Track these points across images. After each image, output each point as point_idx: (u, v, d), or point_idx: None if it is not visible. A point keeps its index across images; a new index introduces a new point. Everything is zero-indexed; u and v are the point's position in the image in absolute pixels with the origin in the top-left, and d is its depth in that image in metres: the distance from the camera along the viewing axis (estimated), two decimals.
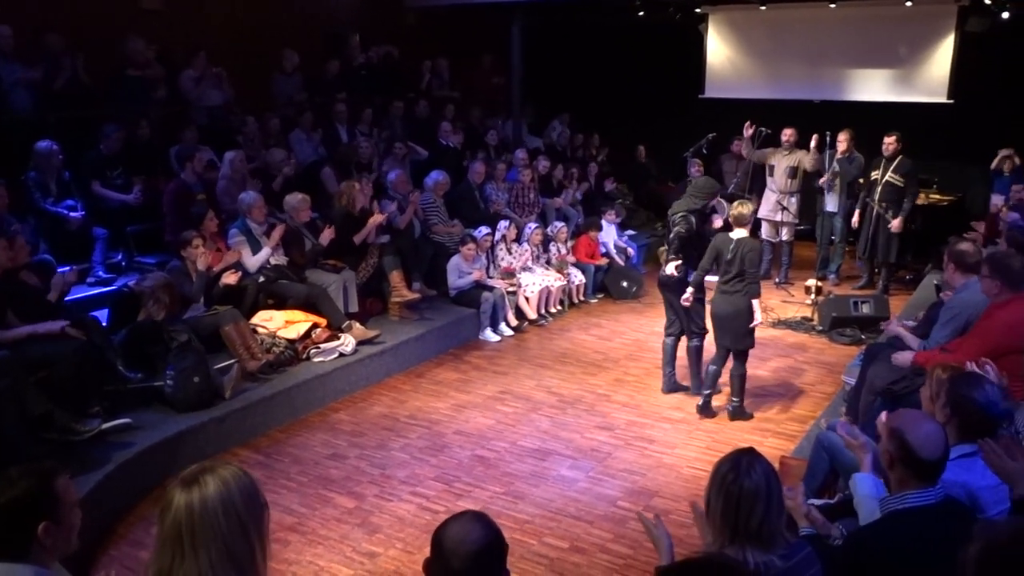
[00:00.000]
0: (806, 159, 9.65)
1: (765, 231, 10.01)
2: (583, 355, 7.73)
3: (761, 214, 9.89)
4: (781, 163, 9.71)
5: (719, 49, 12.06)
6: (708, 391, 6.30)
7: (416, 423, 6.27)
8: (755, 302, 5.90)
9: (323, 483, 5.36)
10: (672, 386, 6.73)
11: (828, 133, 9.22)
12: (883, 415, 3.03)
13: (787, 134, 9.63)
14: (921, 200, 10.49)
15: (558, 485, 5.31)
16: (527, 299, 8.60)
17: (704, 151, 9.84)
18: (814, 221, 10.10)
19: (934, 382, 3.51)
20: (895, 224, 9.11)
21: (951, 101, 10.65)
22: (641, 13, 11.60)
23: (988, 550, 1.74)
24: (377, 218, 7.64)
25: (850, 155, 9.49)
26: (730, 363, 6.23)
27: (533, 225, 9.10)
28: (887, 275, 9.47)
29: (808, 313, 8.69)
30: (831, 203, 9.68)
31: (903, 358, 4.81)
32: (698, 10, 11.79)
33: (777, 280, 9.93)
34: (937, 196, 10.79)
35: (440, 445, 5.89)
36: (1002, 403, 3.12)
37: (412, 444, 5.91)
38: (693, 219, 6.33)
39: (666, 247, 6.53)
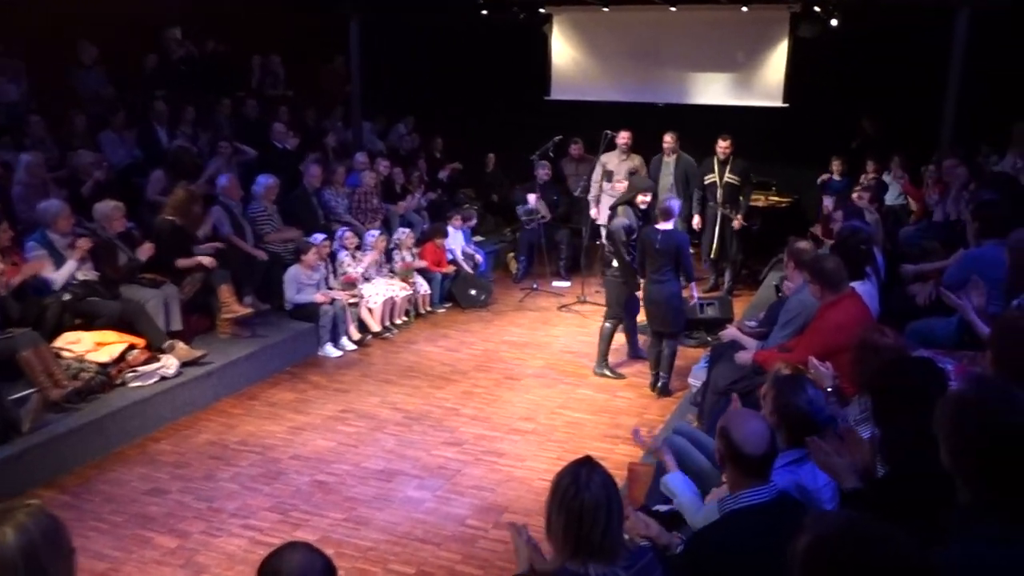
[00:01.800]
0: (641, 162, 10.01)
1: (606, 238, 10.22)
2: (430, 368, 7.69)
3: (602, 220, 10.11)
4: (619, 167, 10.03)
5: (563, 50, 12.35)
6: (659, 372, 7.03)
7: (248, 449, 6.03)
8: (693, 284, 7.10)
9: (141, 522, 5.03)
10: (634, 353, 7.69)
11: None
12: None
13: (623, 137, 9.92)
14: (761, 202, 11.15)
15: (404, 507, 5.24)
16: (370, 310, 8.48)
17: (550, 153, 10.03)
18: None
19: (774, 379, 3.69)
20: (737, 222, 9.60)
21: (786, 105, 11.35)
22: (484, 12, 11.71)
23: (816, 542, 1.82)
24: (204, 260, 7.25)
25: (677, 157, 9.93)
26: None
27: (375, 232, 8.97)
28: (732, 276, 9.98)
29: None
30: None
31: (744, 357, 5.07)
32: (542, 10, 12.03)
33: None
34: (776, 198, 11.49)
35: (275, 472, 5.68)
36: (826, 408, 3.31)
37: (243, 472, 5.67)
38: (624, 226, 7.06)
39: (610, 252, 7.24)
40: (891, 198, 9.72)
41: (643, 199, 7.50)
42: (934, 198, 8.61)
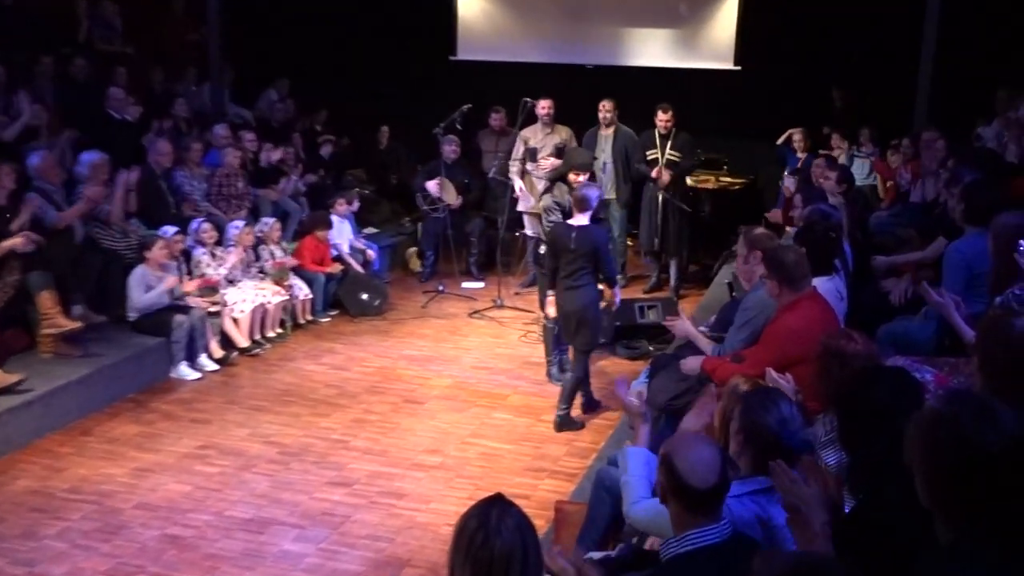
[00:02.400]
0: (571, 136, 10.09)
1: (529, 227, 10.19)
2: (312, 391, 7.62)
3: (523, 207, 10.16)
4: (544, 142, 10.08)
5: (472, 1, 12.35)
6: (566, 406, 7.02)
7: (81, 498, 5.87)
8: (617, 288, 7.20)
9: None
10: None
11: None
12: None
13: (543, 107, 9.95)
14: (710, 183, 11.36)
15: (280, 564, 5.16)
16: (235, 321, 8.37)
17: (458, 126, 10.01)
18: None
19: (730, 396, 3.74)
20: (658, 174, 9.58)
21: (738, 68, 11.60)
22: None
23: None
24: (16, 242, 7.00)
25: (616, 129, 10.07)
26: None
27: (240, 223, 8.82)
28: (678, 272, 10.15)
29: None
30: (606, 189, 10.20)
31: (692, 364, 5.11)
32: None
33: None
34: (728, 179, 11.73)
35: (115, 526, 5.55)
36: (801, 431, 3.35)
37: (74, 528, 5.53)
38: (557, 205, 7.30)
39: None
40: (859, 177, 10.01)
41: (576, 178, 7.56)
42: (906, 177, 8.91)
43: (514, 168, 10.07)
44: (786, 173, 9.99)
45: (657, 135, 9.78)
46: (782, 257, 4.76)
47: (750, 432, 3.27)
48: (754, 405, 3.33)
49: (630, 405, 3.85)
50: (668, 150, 9.74)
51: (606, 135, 10.10)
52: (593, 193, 6.98)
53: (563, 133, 10.06)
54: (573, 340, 6.98)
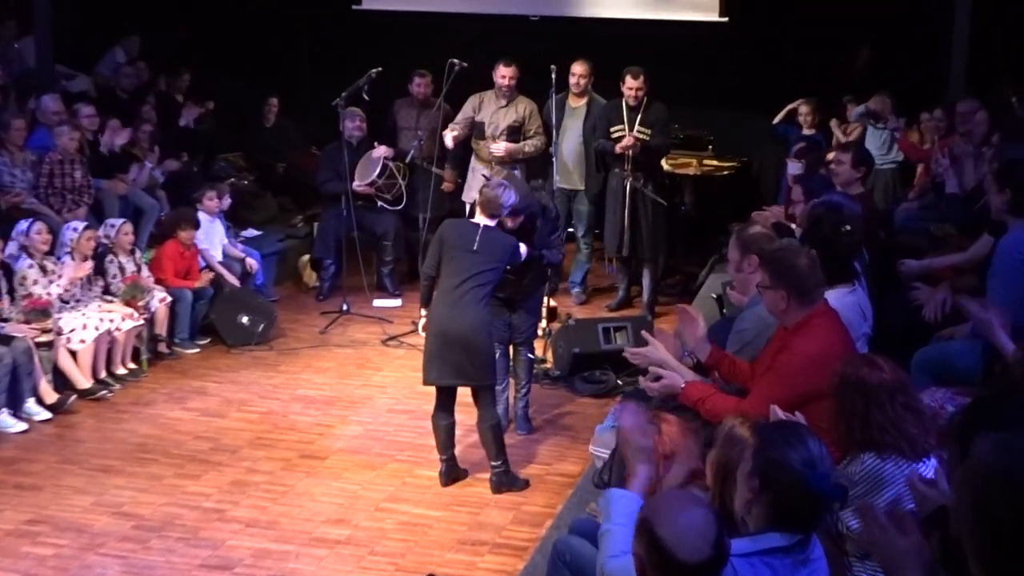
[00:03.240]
0: (533, 112, 10.15)
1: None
2: (177, 445, 7.59)
3: (468, 197, 10.26)
4: (495, 118, 10.12)
5: None
6: (447, 455, 7.01)
7: None
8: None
9: None
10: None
11: (554, 68, 9.78)
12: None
13: (504, 75, 10.01)
14: (691, 168, 11.50)
15: None
16: (73, 355, 8.33)
17: (365, 95, 10.00)
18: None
19: (727, 440, 3.78)
20: (628, 144, 9.64)
21: (725, 20, 11.75)
22: None
23: None
24: None
25: (589, 101, 10.15)
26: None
27: (80, 225, 8.74)
28: (652, 283, 10.26)
29: (539, 350, 9.13)
30: (567, 176, 10.27)
31: (668, 382, 5.07)
32: None
33: None
34: (714, 162, 11.90)
35: None
36: (833, 472, 3.39)
37: None
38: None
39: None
40: (878, 156, 10.18)
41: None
42: (943, 163, 9.01)
43: (448, 135, 10.02)
44: (791, 156, 10.11)
45: (624, 107, 9.87)
46: (792, 260, 4.82)
47: (769, 475, 3.29)
48: (774, 441, 3.35)
49: (633, 436, 3.83)
50: (638, 126, 9.82)
51: (576, 107, 10.20)
52: (508, 198, 6.94)
53: (522, 108, 10.10)
54: (458, 376, 6.79)
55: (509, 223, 7.14)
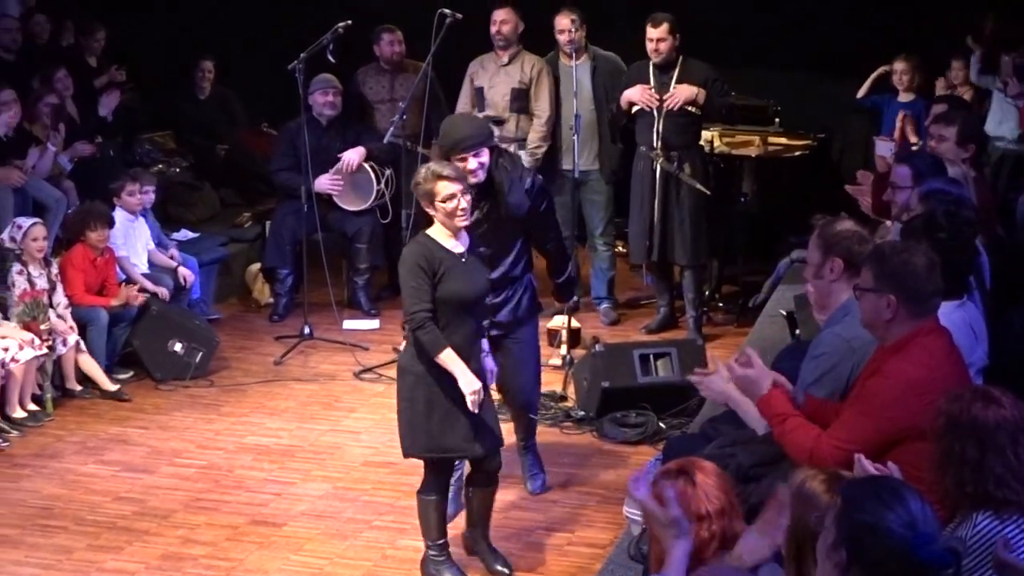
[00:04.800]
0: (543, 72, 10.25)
1: None
2: (92, 509, 7.59)
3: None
4: (494, 81, 10.26)
5: None
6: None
7: None
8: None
9: None
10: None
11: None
12: None
13: (497, 20, 10.19)
14: (752, 149, 11.50)
15: None
16: None
17: (330, 57, 10.02)
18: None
19: (798, 499, 3.80)
20: (680, 93, 9.73)
21: None
22: None
23: None
24: None
25: (592, 56, 10.25)
26: None
27: None
28: (696, 297, 10.28)
29: (557, 384, 9.17)
30: (582, 156, 10.34)
31: (758, 378, 5.08)
32: None
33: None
34: (782, 141, 11.90)
35: None
36: (940, 536, 3.38)
37: None
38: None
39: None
40: (998, 133, 10.18)
41: (464, 165, 7.35)
42: None
43: None
44: (880, 137, 10.13)
45: (651, 68, 9.94)
46: (907, 257, 4.81)
47: (859, 544, 3.29)
48: (863, 500, 3.34)
49: (655, 510, 3.85)
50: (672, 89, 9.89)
51: (575, 67, 10.24)
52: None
53: (528, 67, 10.17)
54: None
55: None
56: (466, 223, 6.50)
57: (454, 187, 6.32)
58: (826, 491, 3.64)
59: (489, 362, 6.85)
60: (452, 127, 7.33)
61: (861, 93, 11.26)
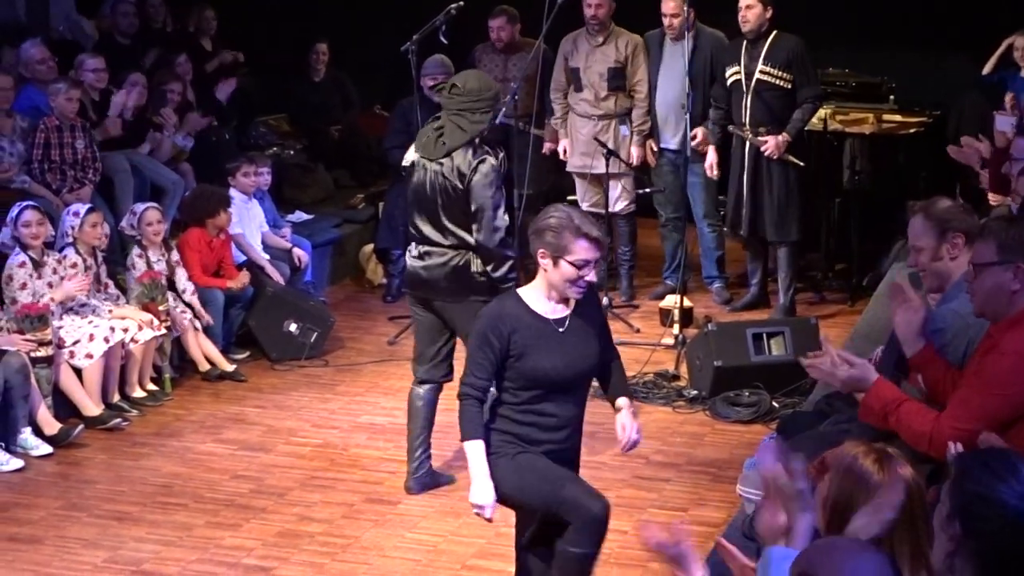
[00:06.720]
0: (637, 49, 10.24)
1: (581, 194, 10.69)
2: (210, 487, 7.68)
3: (572, 165, 10.57)
4: (590, 61, 10.23)
5: None
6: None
7: None
8: None
9: None
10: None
11: None
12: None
13: (597, 7, 10.18)
14: (866, 126, 11.38)
15: None
16: (79, 374, 8.45)
17: (443, 38, 10.04)
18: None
19: (847, 473, 3.74)
20: (771, 144, 9.81)
21: None
22: None
23: None
24: None
25: (695, 34, 10.16)
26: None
27: (81, 208, 8.91)
28: (788, 277, 10.30)
29: (669, 363, 9.16)
30: (668, 134, 10.36)
31: (861, 373, 5.02)
32: None
33: (610, 298, 10.39)
34: (897, 118, 11.77)
35: None
36: None
37: None
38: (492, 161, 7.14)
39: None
40: None
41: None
42: None
43: (556, 102, 10.17)
44: (1000, 111, 9.97)
45: (743, 45, 9.93)
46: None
47: (972, 515, 3.25)
48: (977, 472, 3.30)
49: (781, 479, 3.80)
50: (761, 64, 9.84)
51: (676, 48, 10.22)
52: None
53: (623, 45, 10.17)
54: None
55: None
56: (580, 295, 5.52)
57: (594, 253, 5.39)
58: (879, 470, 3.58)
59: (620, 425, 5.77)
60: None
61: (987, 69, 11.12)
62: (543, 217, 5.45)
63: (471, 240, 7.13)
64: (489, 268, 7.18)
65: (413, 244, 7.33)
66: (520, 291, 5.62)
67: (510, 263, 7.27)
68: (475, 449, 5.46)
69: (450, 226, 7.13)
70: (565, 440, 5.61)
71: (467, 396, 5.49)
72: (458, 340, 7.34)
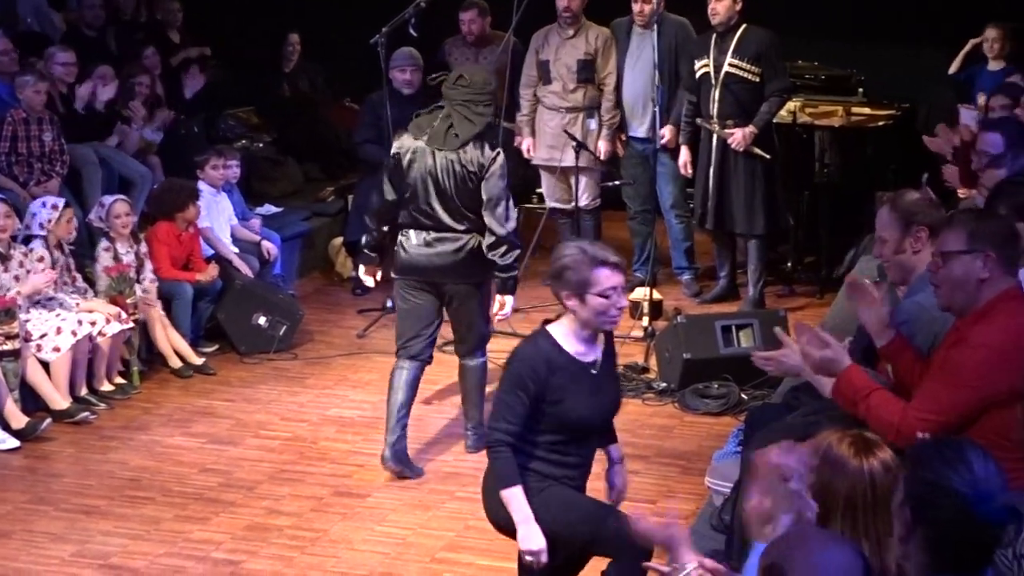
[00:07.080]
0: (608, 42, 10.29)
1: (547, 189, 10.72)
2: (179, 481, 7.68)
3: (538, 158, 10.57)
4: (560, 53, 10.25)
5: None
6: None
7: None
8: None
9: None
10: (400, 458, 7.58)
11: None
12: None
13: (571, 0, 10.20)
14: (835, 119, 11.42)
15: None
16: (46, 367, 8.44)
17: (412, 31, 10.02)
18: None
19: (825, 463, 3.77)
20: (737, 136, 9.84)
21: None
22: None
23: None
24: None
25: (658, 20, 10.15)
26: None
27: (59, 203, 8.90)
28: (757, 270, 10.33)
29: (639, 356, 9.17)
30: (636, 122, 10.43)
31: (835, 355, 5.04)
32: None
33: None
34: (866, 111, 11.81)
35: None
36: (1002, 494, 3.37)
37: None
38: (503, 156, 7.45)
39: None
40: None
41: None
42: None
43: (525, 99, 10.18)
44: (966, 106, 9.98)
45: (713, 38, 9.93)
46: (997, 217, 4.80)
47: (922, 502, 3.28)
48: (929, 460, 3.34)
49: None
50: (731, 57, 9.86)
51: (642, 36, 10.23)
52: None
53: (593, 38, 10.19)
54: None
55: None
56: (615, 324, 5.41)
57: (617, 278, 5.19)
58: (854, 455, 3.63)
59: (618, 479, 5.82)
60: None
61: (953, 68, 11.16)
62: (555, 260, 5.26)
63: (480, 224, 7.42)
64: (498, 255, 7.42)
65: (413, 231, 7.49)
66: (550, 330, 5.34)
67: (517, 252, 7.59)
68: (516, 496, 5.20)
69: (465, 211, 7.40)
70: (581, 477, 5.50)
71: (501, 444, 5.22)
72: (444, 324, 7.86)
